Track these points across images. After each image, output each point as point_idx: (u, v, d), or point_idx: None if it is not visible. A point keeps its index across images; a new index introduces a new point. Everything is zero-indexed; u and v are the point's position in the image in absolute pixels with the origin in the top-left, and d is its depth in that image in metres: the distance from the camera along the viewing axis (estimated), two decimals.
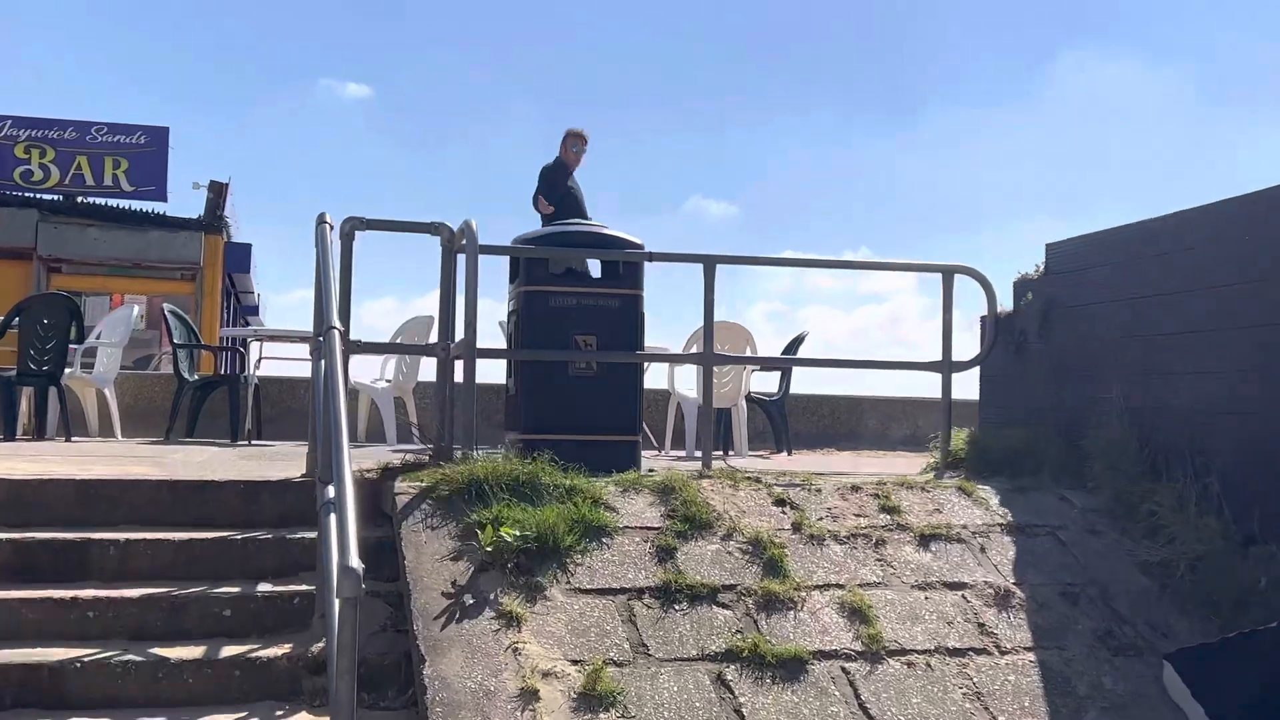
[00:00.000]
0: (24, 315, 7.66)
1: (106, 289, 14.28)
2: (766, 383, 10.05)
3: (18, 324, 7.65)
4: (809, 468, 5.62)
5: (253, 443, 8.52)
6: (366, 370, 9.62)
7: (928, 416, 12.22)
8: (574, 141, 9.22)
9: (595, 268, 6.00)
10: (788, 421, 9.86)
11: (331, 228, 4.45)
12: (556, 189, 9.12)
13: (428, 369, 10.10)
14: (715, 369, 8.77)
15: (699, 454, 9.20)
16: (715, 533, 4.11)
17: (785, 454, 9.35)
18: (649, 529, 4.11)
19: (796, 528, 4.24)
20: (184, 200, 29.92)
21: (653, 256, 5.64)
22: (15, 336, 7.69)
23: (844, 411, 12.12)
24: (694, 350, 8.62)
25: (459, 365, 4.85)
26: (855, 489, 4.60)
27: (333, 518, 3.25)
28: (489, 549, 3.74)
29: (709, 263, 5.58)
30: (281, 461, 5.74)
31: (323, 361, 4.07)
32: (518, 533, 3.79)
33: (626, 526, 4.09)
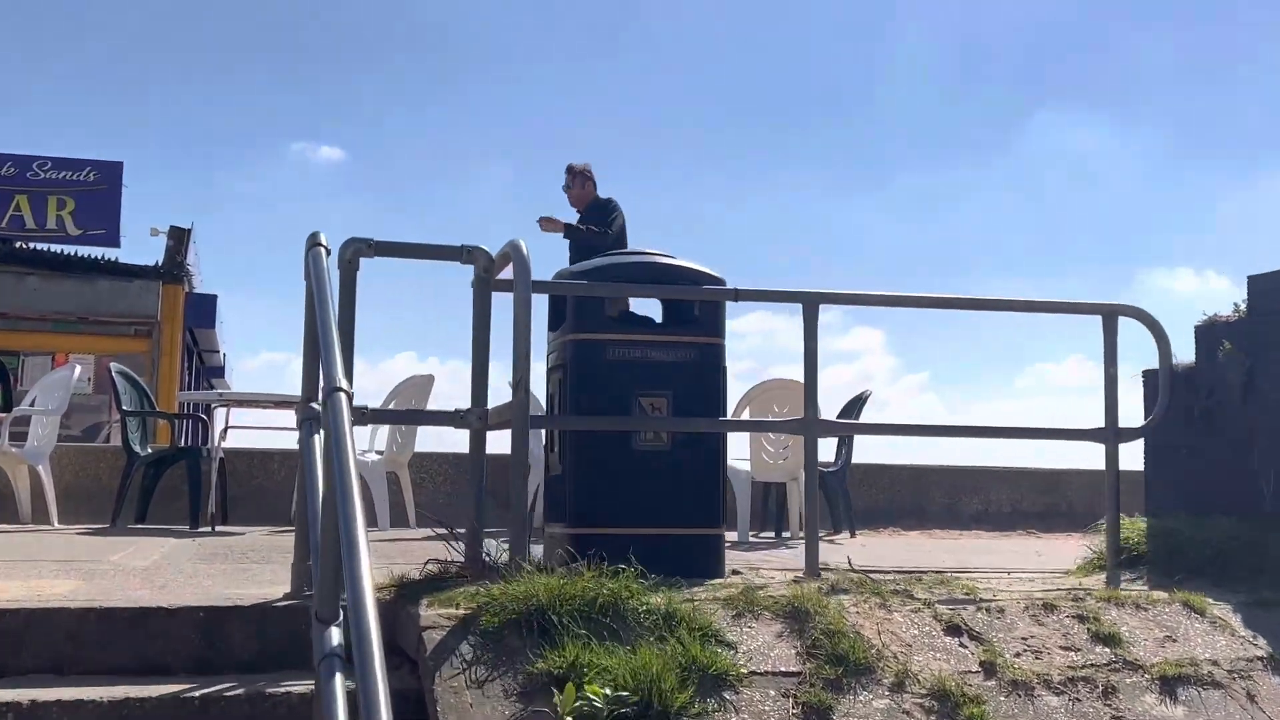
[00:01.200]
0: None
1: (48, 347, 13.26)
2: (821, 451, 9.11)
3: None
4: (894, 554, 4.65)
5: (216, 529, 7.50)
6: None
7: (1000, 490, 11.27)
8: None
9: (656, 311, 5.01)
10: (849, 497, 8.95)
11: (328, 252, 3.44)
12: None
13: (425, 438, 9.19)
14: (771, 436, 7.94)
15: (753, 538, 8.31)
16: (879, 680, 3.08)
17: (848, 535, 8.46)
18: (785, 675, 3.09)
19: (989, 670, 3.21)
20: (139, 248, 29.02)
21: (739, 295, 4.67)
22: None
23: (906, 484, 11.15)
24: (746, 414, 7.73)
25: (486, 437, 3.83)
26: (1049, 608, 3.58)
27: (338, 684, 2.23)
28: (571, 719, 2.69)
29: (810, 302, 4.62)
30: (255, 566, 4.69)
31: (317, 436, 3.07)
32: (609, 691, 2.75)
33: (754, 673, 3.07)
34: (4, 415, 7.36)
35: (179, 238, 14.46)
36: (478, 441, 3.86)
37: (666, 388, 4.60)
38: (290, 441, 9.06)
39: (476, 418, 3.76)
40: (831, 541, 7.80)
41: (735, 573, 4.58)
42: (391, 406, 7.95)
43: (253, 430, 8.53)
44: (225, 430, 7.87)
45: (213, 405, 7.88)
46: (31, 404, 8.16)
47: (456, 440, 11.71)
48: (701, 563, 4.51)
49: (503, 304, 3.85)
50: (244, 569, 4.57)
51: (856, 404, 8.71)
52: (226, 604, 3.37)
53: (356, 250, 3.60)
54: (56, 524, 7.71)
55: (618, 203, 9.12)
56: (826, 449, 8.89)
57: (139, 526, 7.80)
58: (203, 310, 14.14)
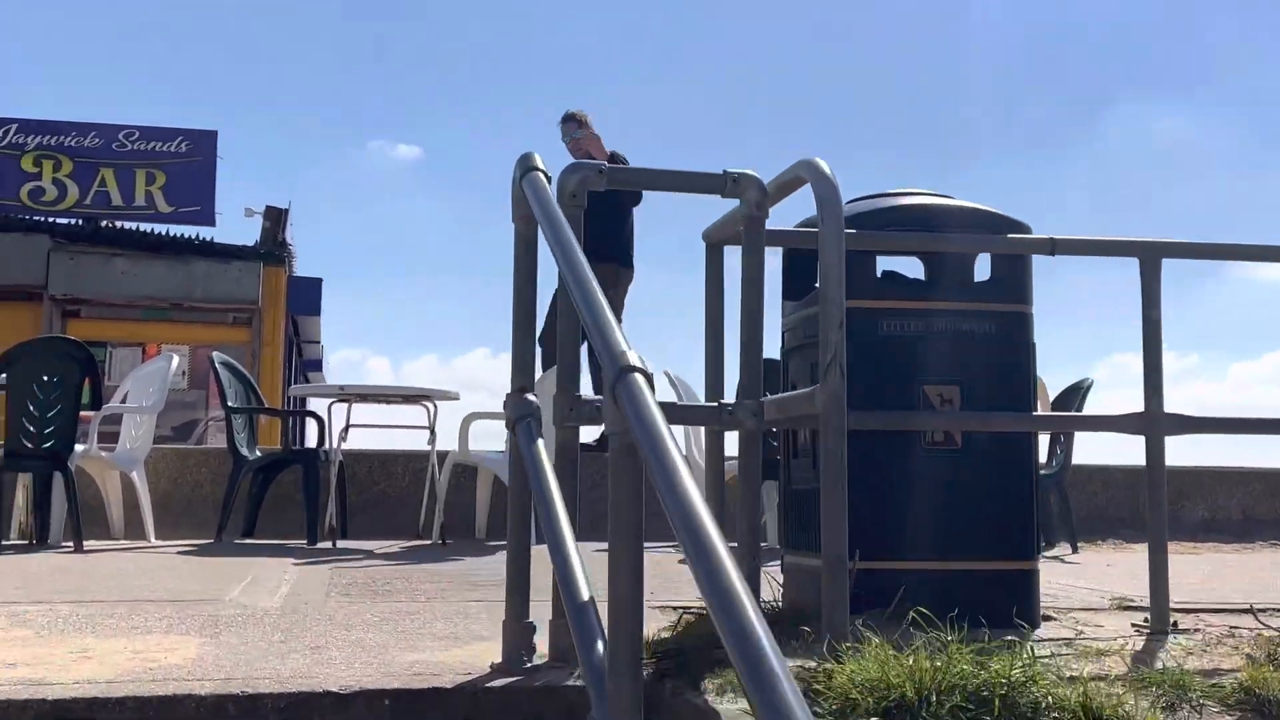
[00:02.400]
0: (14, 370, 5.91)
1: (138, 337, 12.67)
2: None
3: (5, 382, 5.89)
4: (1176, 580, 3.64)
5: (337, 545, 6.71)
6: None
7: (1228, 493, 10.10)
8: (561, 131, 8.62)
9: (918, 270, 4.02)
10: (1070, 504, 7.91)
11: (549, 178, 2.53)
12: None
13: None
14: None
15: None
16: None
17: (1069, 549, 7.42)
18: None
19: None
20: (233, 229, 28.76)
21: (1056, 247, 3.69)
22: (1, 400, 5.95)
23: (1120, 487, 9.98)
24: None
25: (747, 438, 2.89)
26: None
27: None
28: None
29: (1150, 256, 3.63)
30: (419, 607, 3.82)
31: (539, 440, 2.20)
32: None
33: None
34: (92, 414, 6.61)
35: (276, 219, 13.83)
36: (750, 445, 2.91)
37: (959, 371, 3.63)
38: (416, 442, 8.28)
39: (750, 413, 2.79)
40: (1059, 559, 6.78)
41: (1046, 618, 3.64)
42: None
43: (369, 429, 7.68)
44: (346, 429, 7.04)
45: (331, 400, 7.06)
46: (123, 400, 7.44)
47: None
48: (1008, 607, 3.54)
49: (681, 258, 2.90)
50: (407, 612, 3.71)
51: (1075, 393, 7.70)
52: (419, 682, 2.47)
53: (583, 179, 2.67)
54: (153, 539, 7.01)
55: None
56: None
57: (248, 542, 7.08)
58: (306, 295, 13.46)
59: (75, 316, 12.49)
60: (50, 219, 12.73)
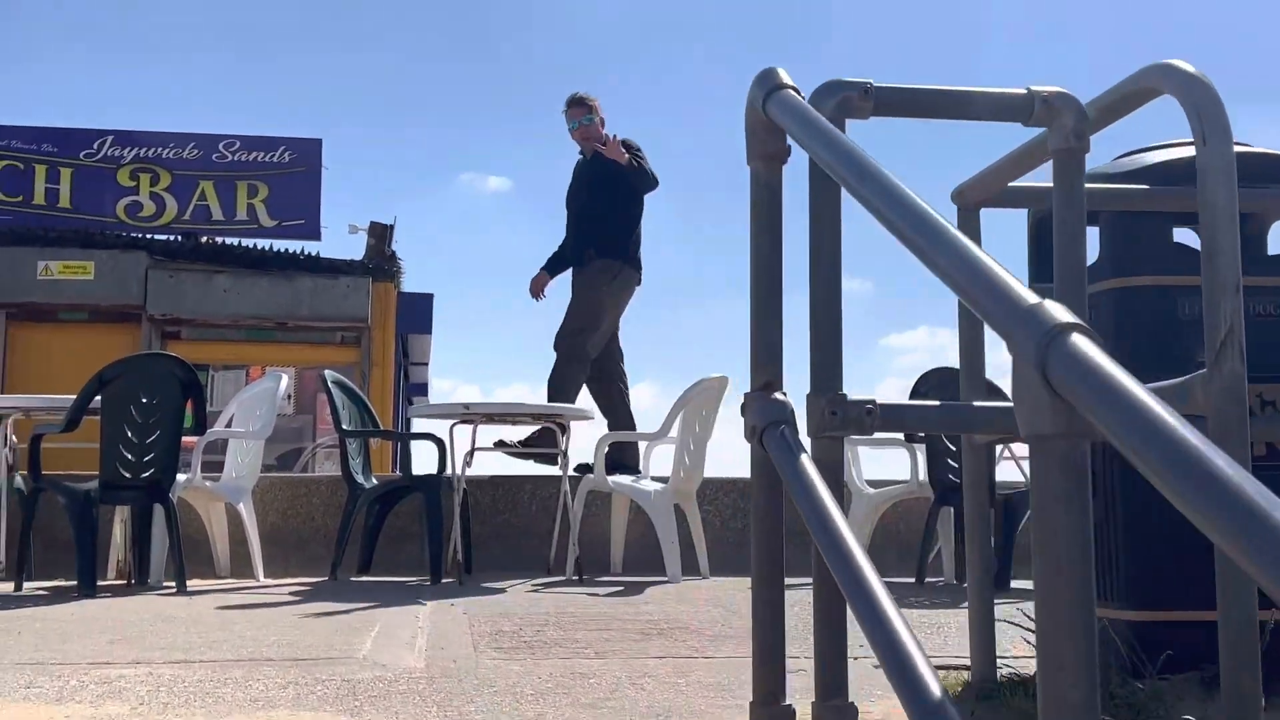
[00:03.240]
0: (110, 391, 5.46)
1: (241, 359, 12.35)
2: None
3: (100, 404, 5.44)
4: None
5: (464, 582, 6.17)
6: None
7: None
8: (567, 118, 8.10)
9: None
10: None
11: (797, 93, 1.91)
12: (569, 192, 8.25)
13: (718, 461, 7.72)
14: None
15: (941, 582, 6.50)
16: None
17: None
18: None
19: None
20: (335, 246, 28.69)
21: None
22: (96, 425, 5.50)
23: None
24: (679, 421, 6.01)
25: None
26: None
27: None
28: None
29: None
30: (595, 665, 3.21)
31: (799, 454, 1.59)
32: None
33: None
34: (196, 439, 6.15)
35: (381, 235, 13.45)
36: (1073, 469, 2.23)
37: None
38: (541, 467, 7.72)
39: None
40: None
41: None
42: (679, 419, 6.54)
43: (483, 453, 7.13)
44: (471, 453, 6.50)
45: (454, 422, 6.52)
46: (228, 424, 6.99)
47: (735, 462, 10.04)
48: None
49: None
50: (581, 673, 3.11)
51: None
52: None
53: (844, 101, 2.03)
54: (262, 578, 6.55)
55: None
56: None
57: (366, 580, 6.59)
58: (416, 312, 13.01)
59: (175, 338, 12.18)
60: (148, 235, 12.47)
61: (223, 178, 12.71)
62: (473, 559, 6.84)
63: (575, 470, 7.81)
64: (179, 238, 12.60)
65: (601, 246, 7.97)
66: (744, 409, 2.11)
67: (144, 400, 5.57)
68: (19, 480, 6.42)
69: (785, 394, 2.08)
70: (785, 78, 1.99)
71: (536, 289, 8.25)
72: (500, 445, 7.79)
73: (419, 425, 7.23)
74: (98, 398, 5.55)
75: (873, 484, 7.29)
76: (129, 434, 5.55)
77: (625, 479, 6.89)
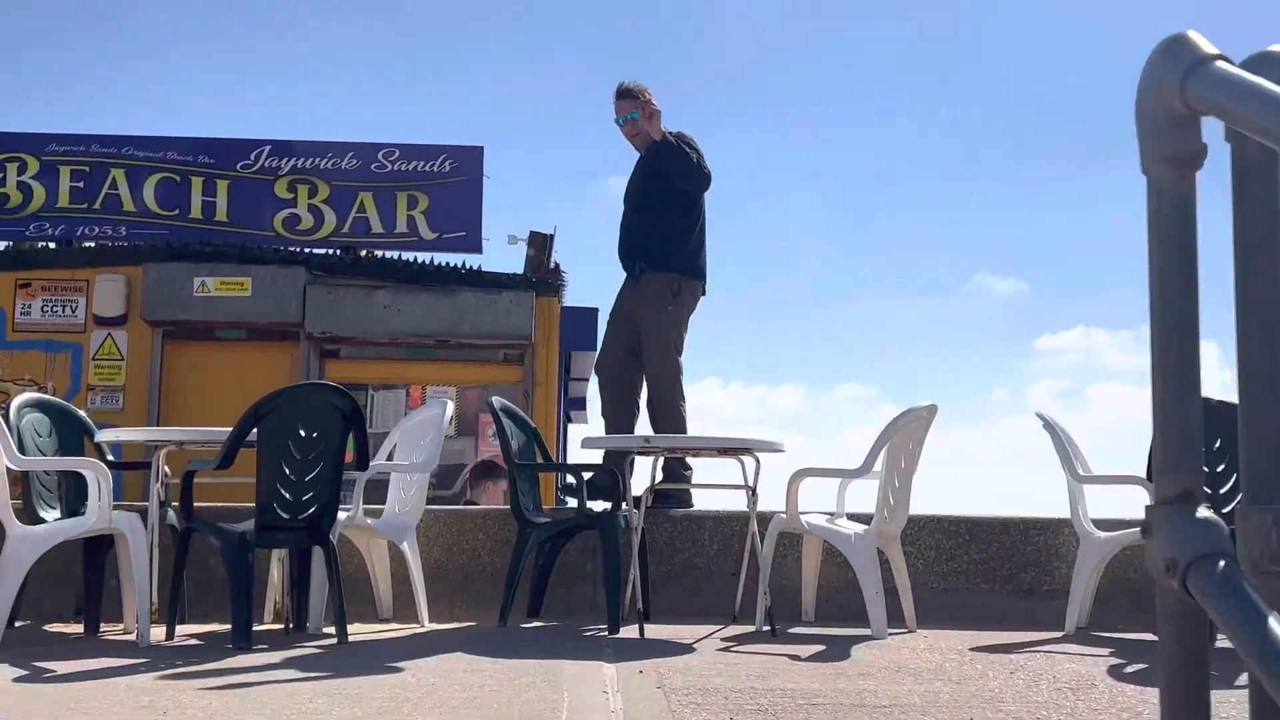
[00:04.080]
0: (266, 425, 5.19)
1: (402, 378, 12.20)
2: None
3: (256, 439, 5.17)
4: None
5: (645, 632, 5.77)
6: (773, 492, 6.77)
7: None
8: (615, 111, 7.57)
9: None
10: None
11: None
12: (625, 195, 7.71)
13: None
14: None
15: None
16: None
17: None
18: None
19: None
20: (496, 257, 28.68)
21: None
22: (252, 458, 5.24)
23: None
24: (883, 457, 5.27)
25: None
26: None
27: None
28: None
29: None
30: None
31: None
32: None
33: None
34: (358, 474, 5.86)
35: (541, 245, 13.16)
36: None
37: None
38: (728, 502, 7.29)
39: None
40: None
41: None
42: (883, 454, 6.03)
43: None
44: (652, 490, 6.09)
45: (632, 452, 6.13)
46: (391, 455, 6.72)
47: (928, 497, 9.41)
48: None
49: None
50: None
51: None
52: None
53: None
54: (427, 623, 6.24)
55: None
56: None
57: (538, 627, 6.26)
58: (581, 327, 12.66)
59: (334, 356, 12.10)
60: (306, 249, 12.41)
61: (382, 188, 12.57)
62: (650, 603, 6.42)
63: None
64: (337, 252, 12.51)
65: (654, 259, 7.48)
66: (1148, 529, 1.56)
67: (303, 434, 5.30)
68: (171, 515, 6.25)
69: (1209, 508, 1.54)
70: (1208, 45, 1.49)
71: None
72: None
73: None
74: (254, 430, 5.28)
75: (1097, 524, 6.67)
76: (287, 471, 5.29)
77: (820, 520, 6.40)
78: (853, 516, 6.72)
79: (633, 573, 6.24)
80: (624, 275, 7.63)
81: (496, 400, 6.73)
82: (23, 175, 12.58)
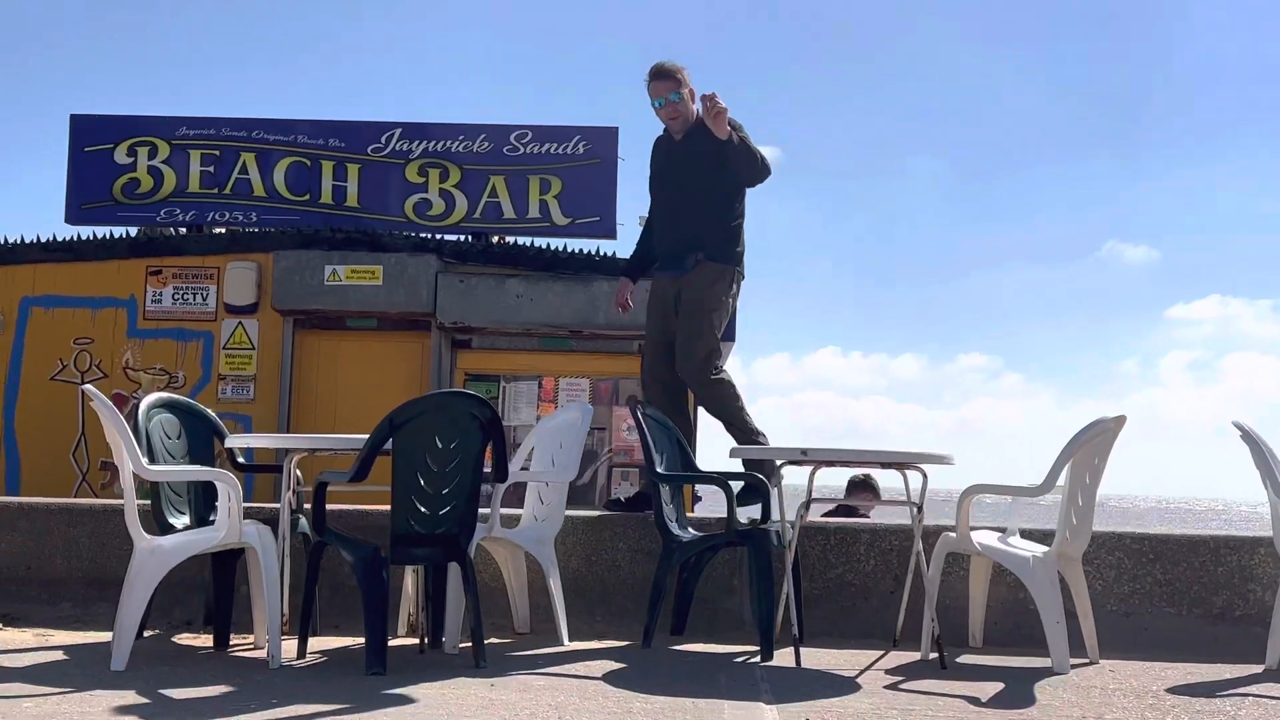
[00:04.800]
0: (402, 436, 4.98)
1: (534, 370, 12.00)
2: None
3: (391, 450, 4.96)
4: None
5: (801, 659, 5.50)
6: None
7: None
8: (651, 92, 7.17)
9: None
10: None
11: None
12: (652, 178, 7.46)
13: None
14: None
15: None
16: None
17: None
18: None
19: None
20: (628, 241, 28.25)
21: None
22: (388, 467, 5.04)
23: None
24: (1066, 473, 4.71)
25: None
26: None
27: None
28: None
29: None
30: None
31: None
32: None
33: None
34: (497, 484, 5.65)
35: None
36: None
37: None
38: (889, 515, 6.94)
39: None
40: None
41: None
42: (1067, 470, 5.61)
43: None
44: (808, 504, 5.76)
45: (778, 464, 5.81)
46: (527, 463, 6.49)
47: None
48: None
49: None
50: None
51: None
52: None
53: None
54: (567, 641, 6.04)
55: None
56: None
57: (684, 650, 6.06)
58: None
59: (465, 347, 11.94)
60: (437, 236, 12.25)
61: (514, 172, 12.36)
62: (803, 623, 6.09)
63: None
64: (469, 238, 12.34)
65: (712, 249, 7.12)
66: None
67: (440, 445, 5.08)
68: (303, 522, 6.10)
69: None
70: None
71: (622, 300, 7.55)
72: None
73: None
74: (389, 442, 5.07)
75: None
76: (423, 484, 5.09)
77: (992, 539, 6.02)
78: (1026, 535, 6.33)
79: (786, 589, 5.93)
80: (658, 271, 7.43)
81: (644, 407, 6.46)
82: (153, 160, 12.64)
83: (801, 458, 5.61)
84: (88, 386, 5.29)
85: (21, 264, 12.21)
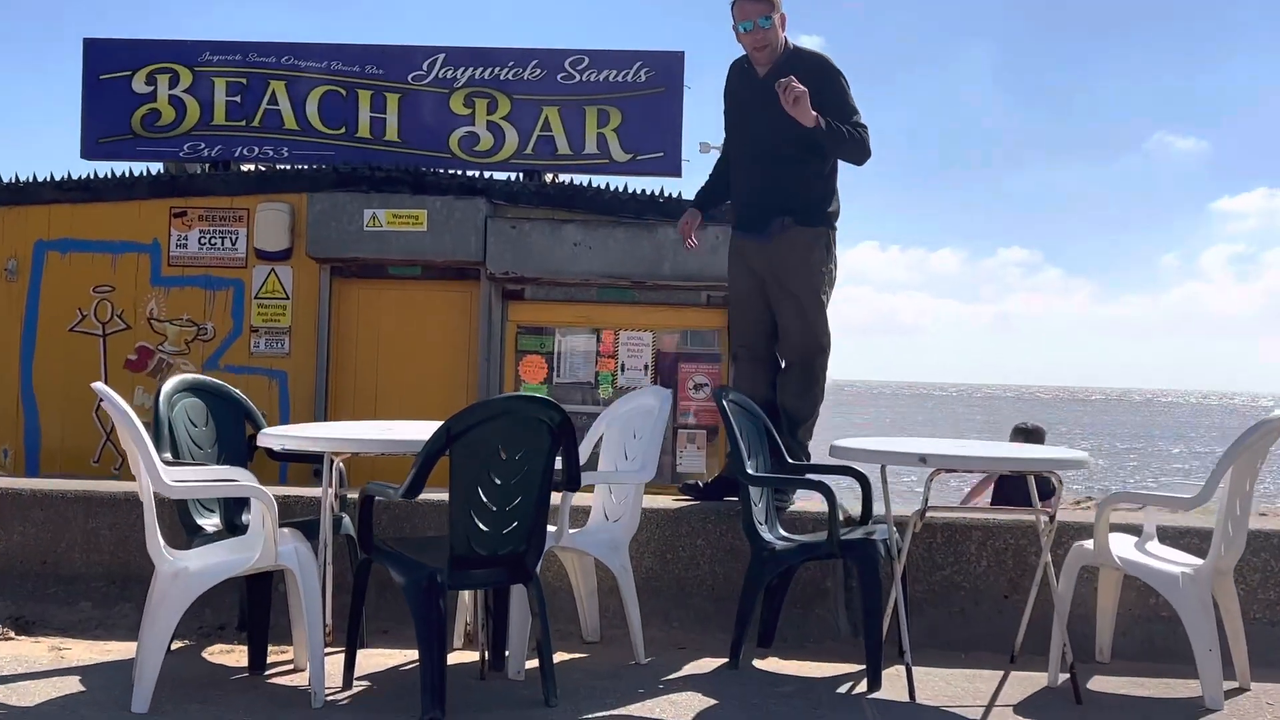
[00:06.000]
0: (461, 446, 4.51)
1: (592, 322, 11.46)
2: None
3: (449, 461, 4.50)
4: None
5: (913, 681, 5.14)
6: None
7: None
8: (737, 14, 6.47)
9: None
10: None
11: None
12: (729, 111, 6.80)
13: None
14: None
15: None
16: None
17: None
18: None
19: None
20: (693, 176, 27.60)
21: None
22: (447, 473, 4.59)
23: None
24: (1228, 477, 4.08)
25: None
26: None
27: None
28: None
29: None
30: None
31: None
32: None
33: None
34: (566, 493, 5.18)
35: None
36: None
37: None
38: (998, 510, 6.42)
39: None
40: None
41: None
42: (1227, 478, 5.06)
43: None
44: (923, 513, 5.26)
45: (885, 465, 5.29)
46: (594, 454, 6.05)
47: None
48: None
49: None
50: None
51: None
52: None
53: None
54: (642, 657, 5.67)
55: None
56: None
57: (778, 673, 5.59)
58: None
59: (518, 298, 11.40)
60: (485, 174, 11.67)
61: (569, 102, 11.72)
62: (905, 630, 5.61)
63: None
64: (520, 177, 11.75)
65: (802, 212, 6.53)
66: None
67: (504, 456, 4.60)
68: (347, 523, 5.69)
69: None
70: None
71: (688, 234, 6.90)
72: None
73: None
74: (446, 451, 4.58)
75: None
76: (485, 500, 4.62)
77: (1130, 548, 5.49)
78: (1168, 535, 5.82)
79: (894, 598, 5.46)
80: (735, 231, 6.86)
81: (728, 394, 5.95)
82: (174, 89, 12.10)
83: (920, 464, 5.09)
84: (98, 385, 4.84)
85: (35, 204, 11.76)
